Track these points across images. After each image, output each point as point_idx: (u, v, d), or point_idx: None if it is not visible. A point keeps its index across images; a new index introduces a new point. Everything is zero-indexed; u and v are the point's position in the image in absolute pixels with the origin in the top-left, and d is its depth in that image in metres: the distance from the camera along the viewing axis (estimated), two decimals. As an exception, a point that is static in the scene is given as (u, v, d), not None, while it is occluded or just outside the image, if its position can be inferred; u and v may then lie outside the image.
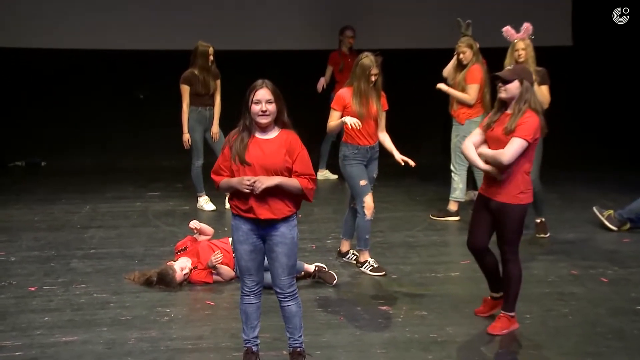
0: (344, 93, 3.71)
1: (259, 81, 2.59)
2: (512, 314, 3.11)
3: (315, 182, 2.62)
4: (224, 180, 2.62)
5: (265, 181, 2.53)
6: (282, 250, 2.59)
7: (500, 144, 2.94)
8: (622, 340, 3.03)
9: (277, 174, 2.56)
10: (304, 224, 4.73)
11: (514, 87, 2.91)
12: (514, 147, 2.88)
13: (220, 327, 3.15)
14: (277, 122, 2.60)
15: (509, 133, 2.89)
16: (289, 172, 2.58)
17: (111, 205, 5.26)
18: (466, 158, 3.10)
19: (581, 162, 6.62)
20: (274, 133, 2.60)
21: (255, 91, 2.55)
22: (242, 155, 2.56)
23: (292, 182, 2.57)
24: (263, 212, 2.57)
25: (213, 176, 2.65)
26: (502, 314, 3.12)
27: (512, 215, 2.97)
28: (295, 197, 2.61)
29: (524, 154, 2.91)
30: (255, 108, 2.55)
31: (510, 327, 3.11)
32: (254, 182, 2.52)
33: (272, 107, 2.56)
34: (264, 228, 2.60)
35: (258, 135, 2.60)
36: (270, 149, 2.57)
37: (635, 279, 3.74)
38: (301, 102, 6.40)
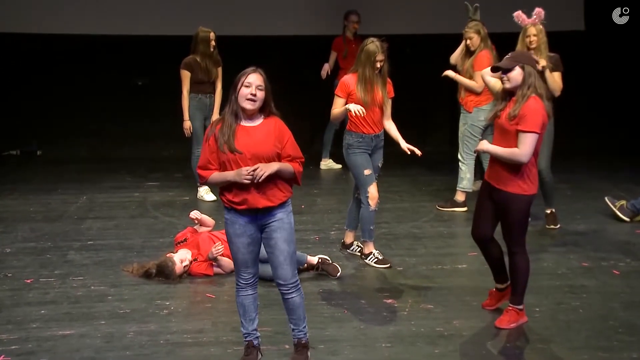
0: (349, 79, 3.62)
1: (252, 67, 2.56)
2: (521, 307, 3.06)
3: (303, 164, 2.62)
4: (215, 174, 2.55)
5: (266, 168, 2.49)
6: (280, 236, 2.55)
7: (504, 132, 2.90)
8: (634, 334, 2.98)
9: (268, 161, 2.53)
10: (307, 215, 4.68)
11: (516, 74, 2.87)
12: (527, 143, 2.84)
13: (221, 321, 3.10)
14: (263, 111, 2.56)
15: (512, 119, 2.85)
16: (279, 158, 2.55)
17: (109, 196, 5.20)
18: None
19: (593, 150, 6.54)
20: (258, 120, 2.57)
21: (247, 75, 2.52)
22: (232, 143, 2.51)
23: (287, 167, 2.56)
24: (260, 201, 2.53)
25: (200, 171, 2.58)
26: (510, 307, 3.07)
27: (517, 206, 2.92)
28: (287, 182, 2.59)
29: None
30: (245, 91, 2.50)
31: (518, 320, 3.06)
32: (255, 171, 2.46)
33: (261, 94, 2.52)
34: (262, 217, 2.56)
35: (244, 123, 2.56)
36: (259, 136, 2.54)
37: (648, 272, 3.68)
38: (304, 89, 6.34)
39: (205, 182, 2.58)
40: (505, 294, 3.16)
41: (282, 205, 2.55)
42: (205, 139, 2.58)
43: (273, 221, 2.54)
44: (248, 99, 2.49)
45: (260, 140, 2.51)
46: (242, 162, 2.50)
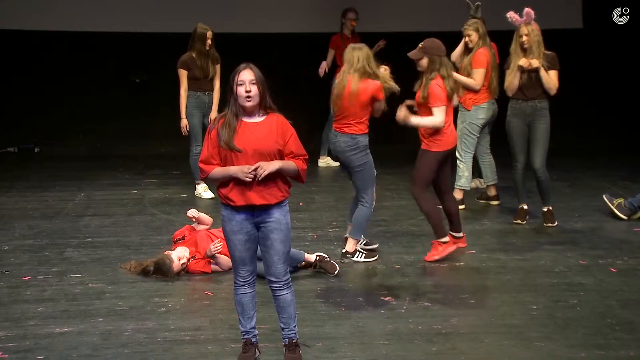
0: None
1: (243, 64, 2.55)
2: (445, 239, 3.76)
3: (307, 162, 2.61)
4: (217, 169, 2.55)
5: (267, 167, 2.49)
6: (277, 237, 2.55)
7: (419, 106, 3.69)
8: (631, 332, 2.99)
9: (271, 158, 2.52)
10: (305, 213, 4.67)
11: (423, 62, 3.62)
12: (439, 114, 3.62)
13: (219, 318, 3.10)
14: (261, 106, 2.55)
15: (424, 99, 3.63)
16: (281, 155, 2.54)
17: (107, 193, 5.19)
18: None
19: (591, 148, 6.53)
20: (260, 117, 2.56)
21: (239, 73, 2.52)
22: (231, 141, 2.50)
23: (290, 164, 2.55)
24: (257, 199, 2.53)
25: (202, 165, 2.57)
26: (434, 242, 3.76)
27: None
28: (287, 181, 2.59)
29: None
30: (240, 90, 2.51)
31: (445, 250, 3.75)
32: (257, 169, 2.47)
33: (255, 89, 2.51)
34: (259, 215, 2.55)
35: (246, 119, 2.55)
36: (261, 132, 2.53)
37: (646, 270, 3.68)
38: (302, 87, 6.33)
39: (206, 176, 2.55)
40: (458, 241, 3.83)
41: (279, 204, 2.54)
42: (207, 133, 2.56)
43: (270, 221, 2.54)
44: (245, 98, 2.50)
45: (262, 137, 2.51)
46: (243, 158, 2.49)
